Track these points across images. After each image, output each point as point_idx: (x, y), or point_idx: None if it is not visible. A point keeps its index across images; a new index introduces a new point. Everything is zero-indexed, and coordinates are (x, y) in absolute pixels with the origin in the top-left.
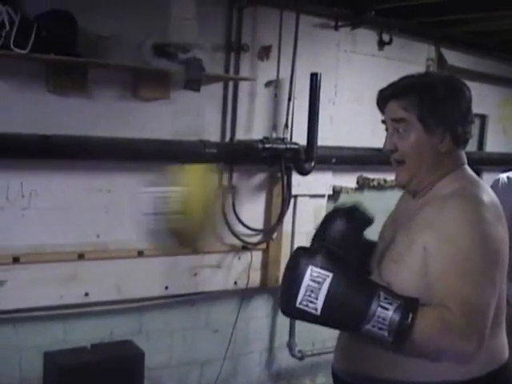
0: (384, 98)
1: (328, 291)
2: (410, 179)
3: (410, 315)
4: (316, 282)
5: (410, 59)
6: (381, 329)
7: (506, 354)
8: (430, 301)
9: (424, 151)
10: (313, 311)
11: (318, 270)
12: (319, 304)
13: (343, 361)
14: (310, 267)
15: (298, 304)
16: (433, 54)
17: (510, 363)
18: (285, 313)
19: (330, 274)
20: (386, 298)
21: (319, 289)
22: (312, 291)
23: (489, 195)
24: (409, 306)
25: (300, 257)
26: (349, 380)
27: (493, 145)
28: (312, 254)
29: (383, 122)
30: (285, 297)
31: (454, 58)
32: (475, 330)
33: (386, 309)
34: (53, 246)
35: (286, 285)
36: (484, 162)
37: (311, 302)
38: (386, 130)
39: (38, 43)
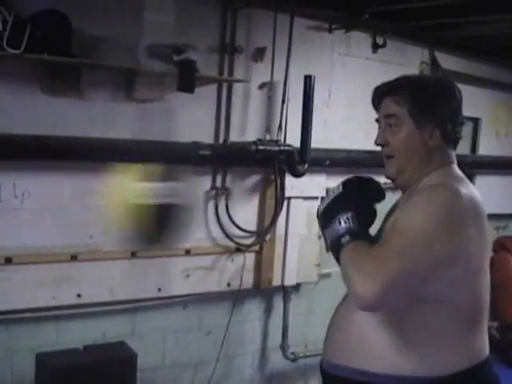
0: (379, 95)
1: (332, 195)
2: (398, 173)
3: (348, 237)
4: (332, 191)
5: (404, 62)
6: (329, 237)
7: (486, 350)
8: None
9: (414, 146)
10: (321, 208)
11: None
12: (323, 205)
13: (327, 353)
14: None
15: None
16: (426, 58)
17: (490, 360)
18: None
19: (339, 191)
20: (347, 219)
21: (330, 195)
22: (327, 196)
23: (469, 191)
24: (355, 232)
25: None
26: (331, 371)
27: (485, 148)
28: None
29: (377, 120)
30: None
31: (448, 62)
32: (372, 278)
33: (340, 225)
34: (45, 246)
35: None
36: (477, 166)
37: (322, 203)
38: (379, 128)
39: (32, 43)
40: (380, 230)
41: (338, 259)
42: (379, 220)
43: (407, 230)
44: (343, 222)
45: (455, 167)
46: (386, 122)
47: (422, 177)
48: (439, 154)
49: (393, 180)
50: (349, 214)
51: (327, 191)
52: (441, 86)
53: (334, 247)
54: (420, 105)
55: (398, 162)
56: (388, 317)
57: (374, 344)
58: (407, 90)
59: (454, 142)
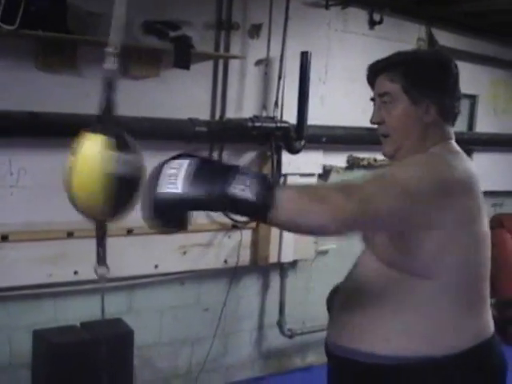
0: (373, 73)
1: (187, 168)
2: (394, 151)
3: (269, 179)
4: (174, 168)
5: (401, 39)
6: (243, 190)
7: (491, 328)
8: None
9: (410, 123)
10: (174, 190)
11: (174, 161)
12: (179, 182)
13: (332, 335)
14: (165, 164)
15: (158, 191)
16: (423, 34)
17: (494, 337)
18: (148, 211)
19: (187, 160)
20: (243, 170)
21: (178, 172)
22: (171, 176)
23: (463, 163)
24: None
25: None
26: (337, 353)
27: (483, 125)
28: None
29: (372, 99)
30: (146, 196)
31: (445, 38)
32: (350, 193)
33: (246, 173)
34: (42, 224)
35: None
36: (474, 143)
37: (171, 183)
38: (375, 106)
39: (27, 19)
40: None
41: (266, 209)
42: None
43: (385, 174)
44: (244, 172)
45: (453, 143)
46: (380, 100)
47: (419, 153)
48: (436, 130)
49: (390, 158)
50: (238, 166)
51: (171, 169)
52: (435, 60)
53: (262, 197)
54: (414, 80)
55: (395, 140)
56: (387, 300)
57: (377, 326)
58: (401, 66)
59: (451, 117)
